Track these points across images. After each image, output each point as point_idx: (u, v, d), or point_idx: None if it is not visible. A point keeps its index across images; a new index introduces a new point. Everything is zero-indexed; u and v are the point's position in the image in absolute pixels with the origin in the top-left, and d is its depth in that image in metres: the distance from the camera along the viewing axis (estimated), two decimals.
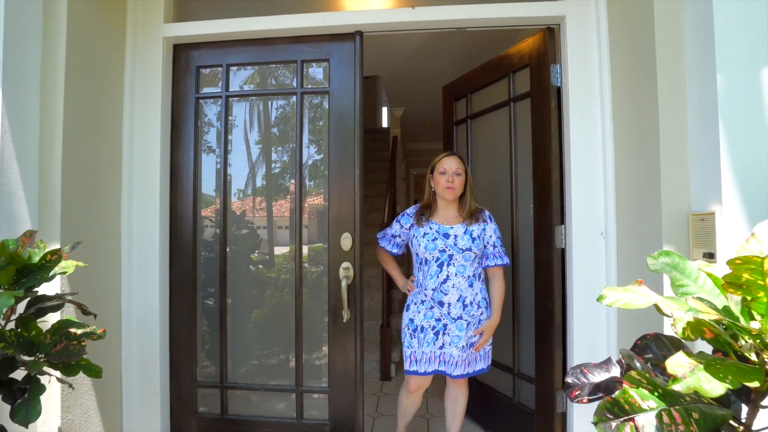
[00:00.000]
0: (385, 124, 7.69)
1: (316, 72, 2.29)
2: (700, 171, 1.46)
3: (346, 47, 2.21)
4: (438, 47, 4.32)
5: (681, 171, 1.52)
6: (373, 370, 3.64)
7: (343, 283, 2.08)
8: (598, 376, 0.78)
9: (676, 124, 1.53)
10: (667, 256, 0.77)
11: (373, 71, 5.61)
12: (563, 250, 2.12)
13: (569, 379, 0.80)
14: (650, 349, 0.83)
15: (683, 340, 0.68)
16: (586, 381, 0.78)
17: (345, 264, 2.13)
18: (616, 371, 0.79)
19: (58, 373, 1.39)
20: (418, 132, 8.08)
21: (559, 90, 2.14)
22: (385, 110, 7.62)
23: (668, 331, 1.50)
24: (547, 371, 2.13)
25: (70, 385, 1.52)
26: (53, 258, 1.39)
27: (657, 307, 0.65)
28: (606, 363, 0.80)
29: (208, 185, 2.33)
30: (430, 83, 4.82)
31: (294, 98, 2.27)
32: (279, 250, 2.35)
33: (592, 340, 1.99)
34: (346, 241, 2.14)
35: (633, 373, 0.67)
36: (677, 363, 0.60)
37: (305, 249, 2.25)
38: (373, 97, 6.49)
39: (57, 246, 1.74)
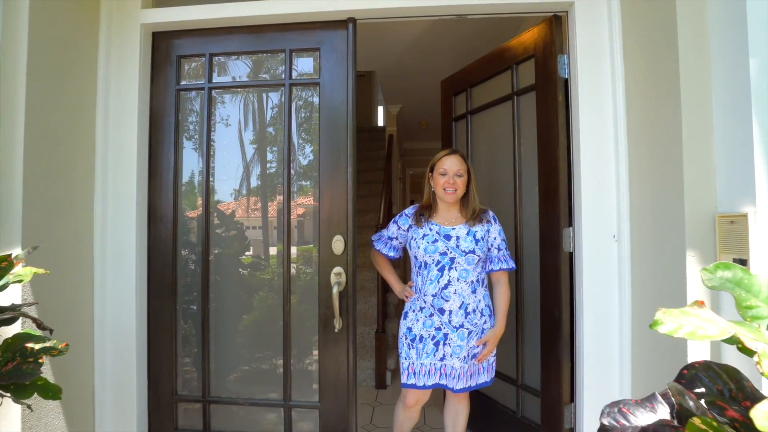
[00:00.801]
0: (381, 122, 7.54)
1: (306, 63, 2.13)
2: (729, 168, 1.32)
3: (339, 35, 2.05)
4: (436, 40, 4.17)
5: (706, 168, 1.38)
6: (368, 378, 3.48)
7: (335, 290, 1.92)
8: (642, 418, 0.63)
9: (699, 116, 1.39)
10: (727, 269, 0.62)
11: (368, 67, 5.45)
12: (571, 255, 1.97)
13: (605, 421, 0.65)
14: (701, 381, 0.68)
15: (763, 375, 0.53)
16: (627, 424, 0.63)
17: (336, 269, 1.98)
18: (663, 412, 0.64)
19: (9, 396, 1.23)
20: (414, 130, 7.93)
21: (566, 82, 2.00)
22: (381, 108, 7.46)
23: (693, 351, 1.36)
24: (554, 384, 1.98)
25: (29, 407, 1.37)
26: (3, 265, 1.23)
27: (736, 341, 0.50)
28: (650, 400, 0.65)
29: (191, 184, 2.16)
30: (427, 79, 4.66)
31: (282, 90, 2.11)
32: (266, 254, 2.19)
33: (603, 351, 1.84)
34: (337, 244, 1.98)
35: (696, 421, 0.52)
36: (766, 415, 0.45)
37: (294, 253, 2.09)
38: (368, 94, 6.33)
39: (18, 251, 1.58)
